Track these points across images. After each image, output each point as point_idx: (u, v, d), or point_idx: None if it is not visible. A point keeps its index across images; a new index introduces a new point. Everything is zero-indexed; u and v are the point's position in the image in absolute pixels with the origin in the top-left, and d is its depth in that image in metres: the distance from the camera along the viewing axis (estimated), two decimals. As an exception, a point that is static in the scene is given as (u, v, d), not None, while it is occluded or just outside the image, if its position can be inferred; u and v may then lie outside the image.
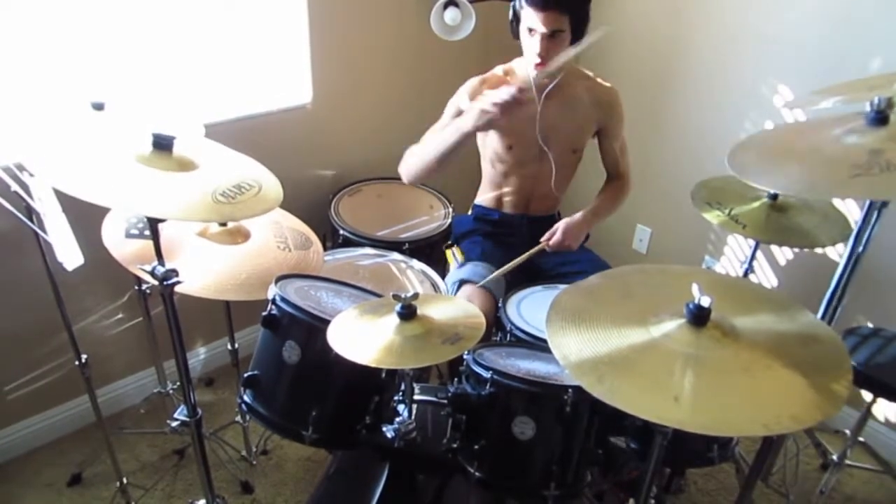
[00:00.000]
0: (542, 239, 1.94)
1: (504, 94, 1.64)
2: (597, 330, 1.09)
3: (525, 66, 1.90)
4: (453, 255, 2.08)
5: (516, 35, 1.83)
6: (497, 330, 1.75)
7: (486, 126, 1.71)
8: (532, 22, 1.71)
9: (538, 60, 1.76)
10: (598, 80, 1.99)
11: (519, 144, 1.95)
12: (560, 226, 1.93)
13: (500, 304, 1.76)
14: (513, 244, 2.09)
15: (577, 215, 1.97)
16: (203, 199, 1.17)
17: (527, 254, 1.91)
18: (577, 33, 1.78)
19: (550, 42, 1.74)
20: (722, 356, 1.02)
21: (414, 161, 1.91)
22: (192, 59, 2.09)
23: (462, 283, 1.90)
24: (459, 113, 1.88)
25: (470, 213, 2.22)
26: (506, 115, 1.66)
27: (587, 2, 1.76)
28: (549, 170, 2.00)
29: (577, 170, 2.10)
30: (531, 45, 1.76)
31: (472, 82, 1.92)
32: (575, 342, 1.07)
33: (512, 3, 1.80)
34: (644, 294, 1.21)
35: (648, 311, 1.11)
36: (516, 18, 1.79)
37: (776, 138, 1.38)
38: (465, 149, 1.81)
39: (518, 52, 1.94)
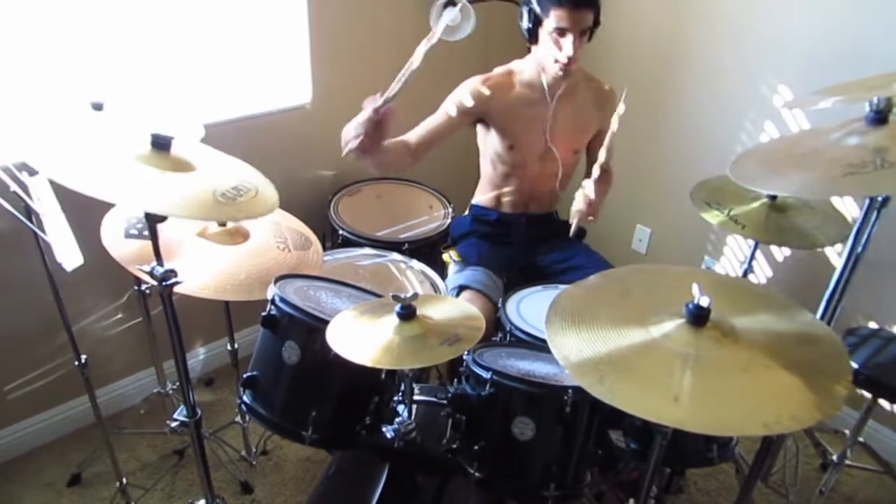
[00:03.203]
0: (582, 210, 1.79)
1: (359, 120, 1.58)
2: (597, 330, 1.09)
3: (532, 68, 1.89)
4: (451, 258, 2.08)
5: (534, 39, 1.82)
6: (497, 330, 1.75)
7: (361, 155, 1.64)
8: (564, 22, 1.71)
9: (568, 61, 1.77)
10: (598, 79, 2.00)
11: (521, 145, 1.95)
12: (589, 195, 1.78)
13: (499, 307, 1.76)
14: (510, 243, 2.09)
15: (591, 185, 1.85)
16: (205, 199, 1.17)
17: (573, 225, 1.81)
18: (592, 30, 1.80)
19: (580, 40, 1.75)
20: (722, 356, 1.02)
21: None
22: (192, 60, 2.09)
23: (462, 288, 1.90)
24: (462, 107, 1.89)
25: (467, 213, 2.21)
26: (369, 142, 1.60)
27: None
28: (551, 170, 2.00)
29: (578, 170, 2.11)
30: (563, 45, 1.75)
31: (474, 81, 1.92)
32: (575, 342, 1.07)
33: (528, 8, 1.78)
34: (644, 294, 1.21)
35: (648, 311, 1.11)
36: (536, 22, 1.77)
37: (776, 147, 1.38)
38: (383, 159, 1.74)
39: (518, 52, 1.95)
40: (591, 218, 1.78)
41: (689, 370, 0.99)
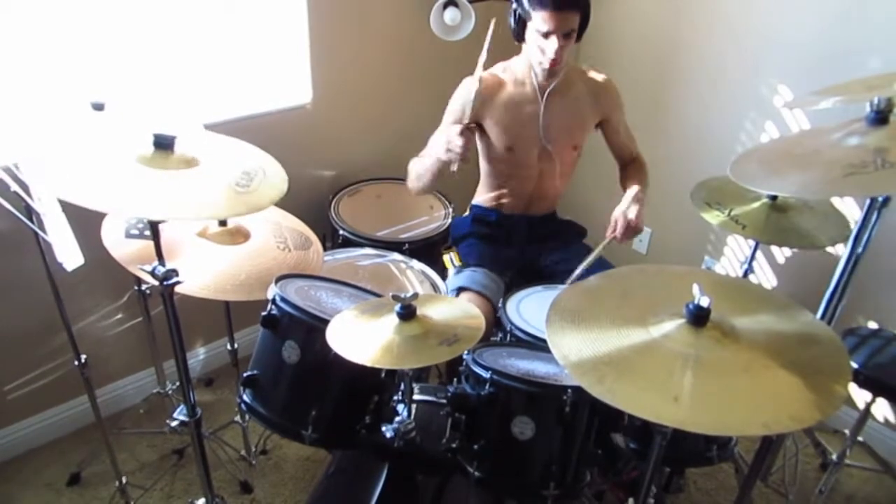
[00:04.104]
0: (608, 234, 1.88)
1: (459, 140, 1.70)
2: (597, 330, 1.09)
3: (524, 66, 1.90)
4: (451, 261, 2.08)
5: (520, 38, 1.83)
6: (497, 330, 1.75)
7: (452, 161, 1.74)
8: (547, 25, 1.71)
9: (552, 62, 1.77)
10: (593, 72, 1.99)
11: (519, 146, 1.95)
12: (619, 216, 1.87)
13: (498, 307, 1.76)
14: (511, 244, 2.09)
15: (626, 202, 1.91)
16: (226, 192, 1.17)
17: (598, 248, 1.88)
18: (582, 30, 1.80)
19: (565, 42, 1.75)
20: (722, 356, 1.02)
21: (412, 181, 1.99)
22: (193, 60, 2.09)
23: (461, 290, 1.90)
24: (459, 119, 1.87)
25: (467, 213, 2.21)
26: (465, 158, 1.72)
27: None
28: (550, 169, 2.00)
29: (577, 167, 2.11)
30: (546, 47, 1.75)
31: (467, 87, 1.89)
32: (575, 342, 1.07)
33: (513, 8, 1.78)
34: (644, 294, 1.21)
35: (648, 311, 1.11)
36: (521, 22, 1.78)
37: (777, 147, 1.38)
38: (448, 171, 1.84)
39: (516, 53, 1.94)
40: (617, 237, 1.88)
41: (690, 370, 0.99)
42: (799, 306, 1.16)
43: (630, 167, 2.13)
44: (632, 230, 1.87)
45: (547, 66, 1.78)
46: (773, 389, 0.98)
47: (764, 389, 0.98)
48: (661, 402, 0.95)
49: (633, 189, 1.96)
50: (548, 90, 1.89)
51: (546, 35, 1.73)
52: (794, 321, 1.14)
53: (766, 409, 0.94)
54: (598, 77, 1.99)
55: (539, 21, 1.72)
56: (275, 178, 1.29)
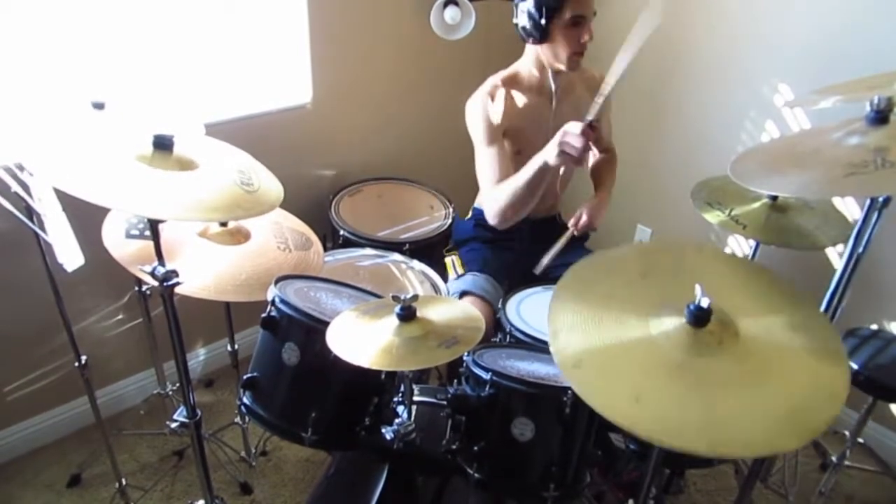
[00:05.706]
0: (570, 224, 1.92)
1: (580, 141, 1.57)
2: (598, 309, 1.09)
3: (532, 68, 1.87)
4: (452, 265, 2.06)
5: (545, 35, 1.76)
6: (496, 331, 1.75)
7: (565, 164, 1.66)
8: (580, 9, 1.71)
9: (581, 49, 1.76)
10: (592, 71, 1.97)
11: (528, 149, 1.90)
12: (584, 209, 1.92)
13: (497, 310, 1.76)
14: (513, 248, 2.07)
15: (596, 199, 1.98)
16: (236, 192, 1.17)
17: (561, 240, 1.86)
18: None
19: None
20: (722, 357, 1.02)
21: (507, 202, 1.81)
22: (193, 59, 2.09)
23: (464, 294, 1.89)
24: (500, 131, 1.85)
25: (469, 216, 2.20)
26: (583, 160, 1.62)
27: None
28: (554, 172, 1.98)
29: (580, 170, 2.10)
30: (575, 35, 1.74)
31: (483, 104, 1.86)
32: (571, 317, 1.08)
33: (526, 9, 1.73)
34: (660, 281, 1.18)
35: (658, 300, 1.10)
36: (549, 16, 1.71)
37: (777, 147, 1.38)
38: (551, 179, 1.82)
39: (517, 51, 1.93)
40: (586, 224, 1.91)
41: (674, 378, 0.98)
42: (802, 304, 1.16)
43: (604, 160, 2.14)
44: (588, 227, 1.94)
45: (574, 54, 1.77)
46: (772, 391, 0.98)
47: (764, 391, 0.98)
48: (624, 402, 0.95)
49: (603, 188, 2.06)
50: (558, 91, 1.88)
51: (576, 21, 1.72)
52: (795, 320, 1.14)
53: (759, 425, 0.93)
54: (594, 74, 1.96)
55: (573, 8, 1.70)
56: (268, 177, 1.29)
